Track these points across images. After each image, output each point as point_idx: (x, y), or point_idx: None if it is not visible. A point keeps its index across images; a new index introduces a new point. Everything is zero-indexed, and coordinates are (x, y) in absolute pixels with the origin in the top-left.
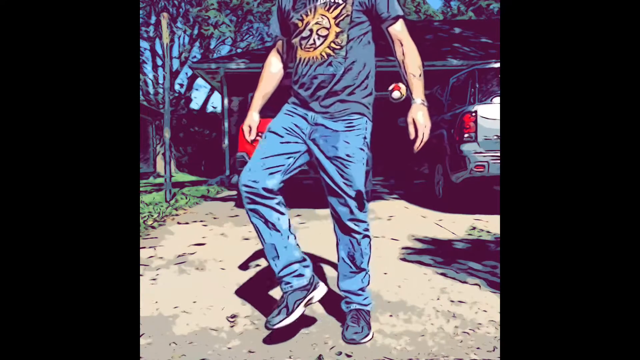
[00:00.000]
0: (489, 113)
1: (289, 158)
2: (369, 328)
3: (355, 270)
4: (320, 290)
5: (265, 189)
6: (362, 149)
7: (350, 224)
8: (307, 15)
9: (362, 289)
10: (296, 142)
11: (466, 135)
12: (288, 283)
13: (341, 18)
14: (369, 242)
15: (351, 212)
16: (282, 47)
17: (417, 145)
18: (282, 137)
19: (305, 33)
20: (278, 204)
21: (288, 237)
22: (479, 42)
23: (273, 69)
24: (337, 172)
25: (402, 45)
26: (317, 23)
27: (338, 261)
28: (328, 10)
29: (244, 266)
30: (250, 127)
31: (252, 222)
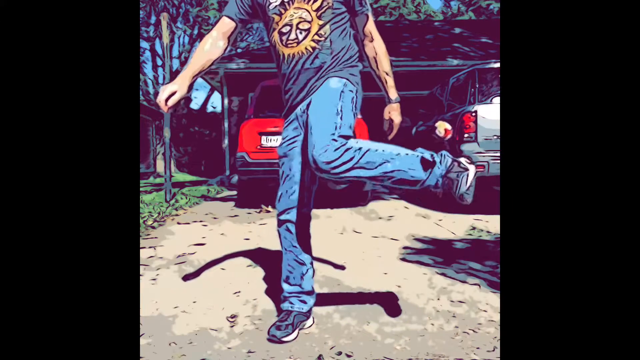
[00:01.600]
0: (489, 113)
1: (305, 172)
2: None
3: (378, 175)
4: (310, 321)
5: (299, 218)
6: (338, 97)
7: (324, 166)
8: (285, 10)
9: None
10: (300, 151)
11: (466, 135)
12: (292, 303)
13: (323, 10)
14: (361, 153)
15: (321, 155)
16: (227, 29)
17: (391, 136)
18: (289, 156)
19: (285, 28)
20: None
21: (308, 270)
22: (479, 42)
23: (207, 47)
24: (315, 117)
25: (372, 41)
26: (297, 17)
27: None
28: (307, 2)
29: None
30: (173, 92)
31: (282, 246)
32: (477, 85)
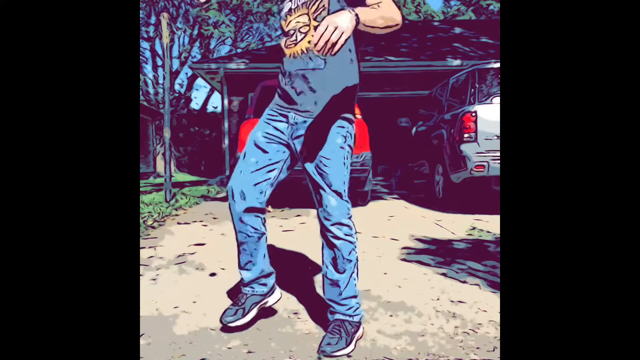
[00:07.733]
0: (489, 113)
1: (272, 170)
2: (349, 342)
3: (337, 278)
4: (275, 296)
5: (252, 206)
6: (342, 148)
7: (331, 227)
8: (290, 15)
9: (346, 299)
10: (278, 150)
11: (466, 135)
12: (252, 288)
13: (318, 12)
14: (353, 249)
15: (330, 214)
16: None
17: (315, 41)
18: (263, 148)
19: (290, 32)
20: (263, 223)
21: (264, 255)
22: (479, 42)
23: None
24: (316, 172)
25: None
26: (298, 21)
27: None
28: (307, 6)
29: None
30: None
31: (236, 232)
32: (477, 85)
